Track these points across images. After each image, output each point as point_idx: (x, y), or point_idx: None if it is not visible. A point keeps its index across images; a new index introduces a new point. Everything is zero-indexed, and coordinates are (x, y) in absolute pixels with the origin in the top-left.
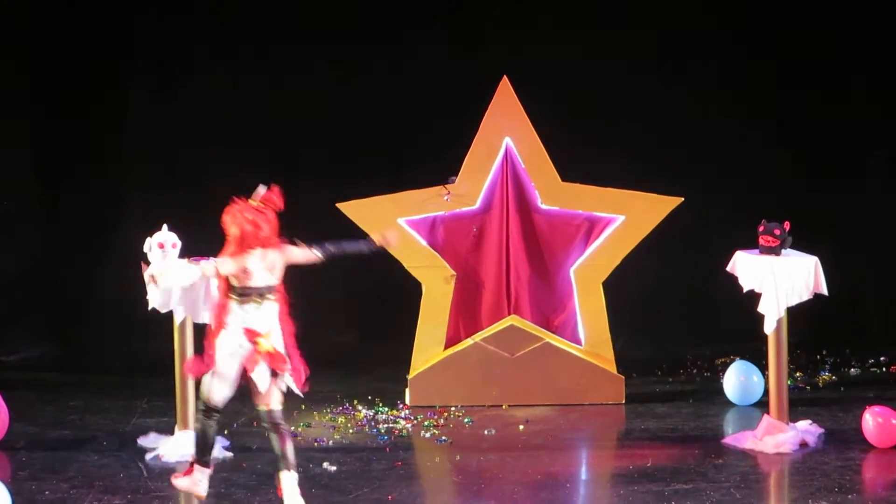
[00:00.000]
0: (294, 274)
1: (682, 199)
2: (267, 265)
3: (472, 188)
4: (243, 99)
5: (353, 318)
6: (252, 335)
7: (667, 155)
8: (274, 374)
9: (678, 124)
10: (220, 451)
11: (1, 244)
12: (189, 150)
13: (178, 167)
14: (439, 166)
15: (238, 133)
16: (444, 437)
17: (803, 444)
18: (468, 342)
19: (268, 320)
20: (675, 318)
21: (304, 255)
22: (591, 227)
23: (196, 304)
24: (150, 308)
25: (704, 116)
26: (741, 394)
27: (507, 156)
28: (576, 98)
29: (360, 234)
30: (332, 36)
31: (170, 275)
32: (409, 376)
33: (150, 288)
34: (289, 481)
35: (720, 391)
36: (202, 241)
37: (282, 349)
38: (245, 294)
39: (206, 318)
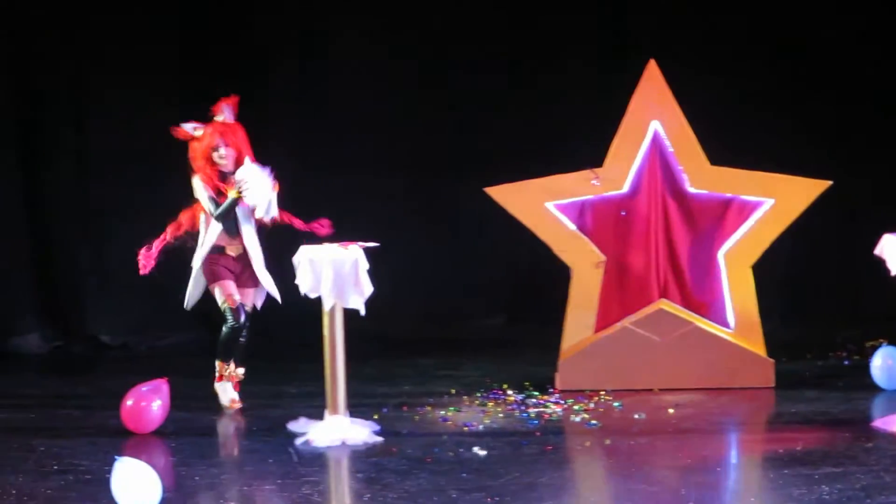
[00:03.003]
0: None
1: (831, 182)
2: None
3: (620, 172)
4: (392, 86)
5: (501, 302)
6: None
7: (814, 137)
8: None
9: (823, 105)
10: (369, 435)
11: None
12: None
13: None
14: (586, 151)
15: (385, 121)
16: (594, 422)
17: None
18: (618, 326)
19: None
20: (825, 301)
21: None
22: (740, 211)
23: (345, 289)
24: (302, 293)
25: (851, 98)
26: (888, 377)
27: (655, 139)
28: (722, 80)
29: (508, 218)
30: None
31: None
32: (559, 360)
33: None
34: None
35: (869, 374)
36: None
37: None
38: None
39: (354, 302)
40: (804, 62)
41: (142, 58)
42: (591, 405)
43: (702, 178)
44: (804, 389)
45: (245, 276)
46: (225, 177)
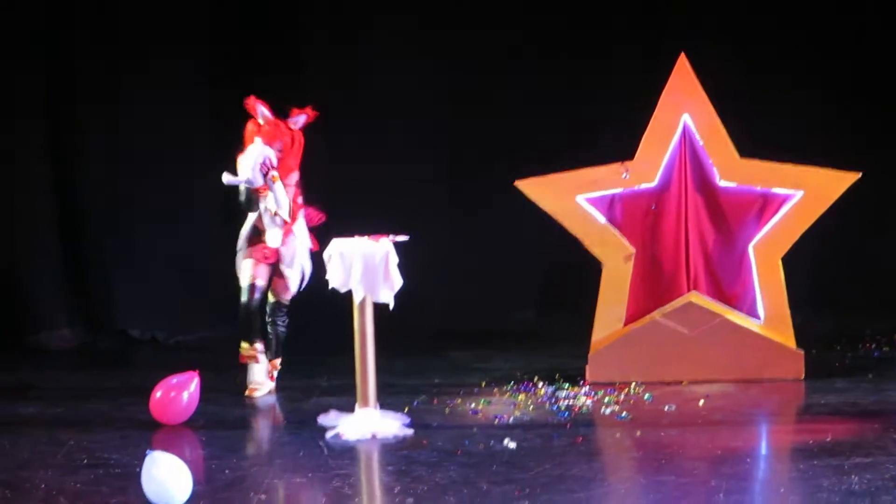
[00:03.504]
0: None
1: (860, 174)
2: None
3: (650, 165)
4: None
5: (531, 295)
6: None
7: (843, 129)
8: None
9: (853, 97)
10: (400, 428)
11: (181, 225)
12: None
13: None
14: (616, 144)
15: (417, 113)
16: (624, 414)
17: None
18: (648, 319)
19: None
20: (854, 293)
21: None
22: (769, 204)
23: (375, 283)
24: (329, 288)
25: (883, 88)
26: None
27: (685, 133)
28: (753, 72)
29: (538, 212)
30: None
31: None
32: (590, 353)
33: (331, 264)
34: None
35: None
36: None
37: None
38: None
39: (385, 297)
40: (835, 55)
41: (173, 52)
42: (621, 397)
43: (731, 170)
44: (834, 381)
45: (276, 259)
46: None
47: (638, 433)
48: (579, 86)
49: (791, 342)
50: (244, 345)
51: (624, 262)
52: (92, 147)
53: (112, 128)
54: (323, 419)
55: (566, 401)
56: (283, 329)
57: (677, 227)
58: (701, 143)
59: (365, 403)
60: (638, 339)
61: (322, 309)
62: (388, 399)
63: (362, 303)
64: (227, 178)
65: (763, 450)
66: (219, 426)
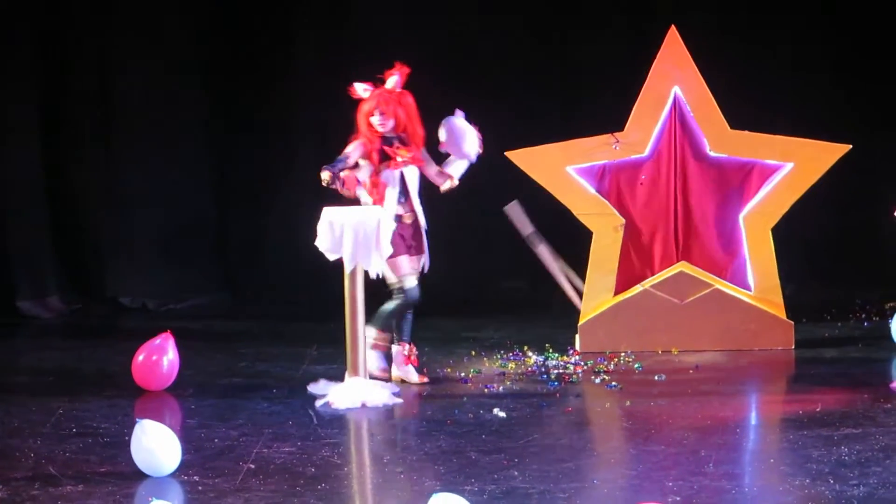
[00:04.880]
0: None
1: (850, 146)
2: None
3: (642, 136)
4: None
5: (522, 265)
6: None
7: (835, 100)
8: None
9: (844, 68)
10: (389, 397)
11: (173, 192)
12: None
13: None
14: (607, 115)
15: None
16: (614, 383)
17: None
18: (638, 289)
19: None
20: (844, 263)
21: None
22: (759, 175)
23: (366, 251)
24: (331, 260)
25: (874, 59)
26: None
27: (676, 104)
28: (742, 44)
29: (530, 183)
30: None
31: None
32: (580, 322)
33: (322, 231)
34: None
35: (889, 335)
36: None
37: None
38: None
39: (376, 266)
40: (825, 24)
41: (166, 27)
42: (611, 367)
43: (722, 142)
44: (824, 351)
45: (416, 244)
46: (389, 141)
47: (628, 403)
48: (570, 56)
49: (781, 312)
50: (381, 333)
51: (614, 232)
52: (83, 116)
53: (105, 96)
54: (313, 388)
55: (556, 370)
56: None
57: (667, 197)
58: (692, 114)
59: (355, 372)
60: (628, 309)
61: (313, 277)
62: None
63: (353, 272)
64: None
65: (753, 420)
66: (207, 395)
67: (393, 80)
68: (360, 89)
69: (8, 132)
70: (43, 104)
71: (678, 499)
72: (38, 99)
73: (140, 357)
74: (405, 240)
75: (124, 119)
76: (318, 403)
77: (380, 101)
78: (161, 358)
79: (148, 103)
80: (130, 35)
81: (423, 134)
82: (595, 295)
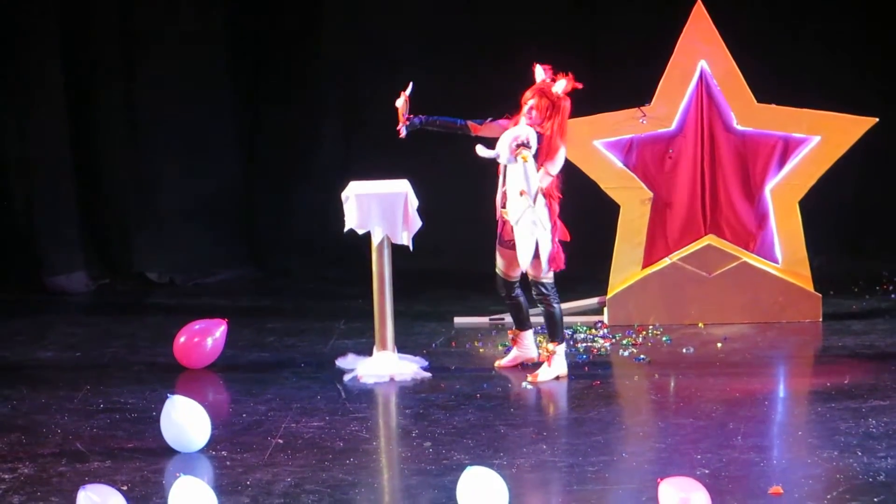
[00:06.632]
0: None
1: (877, 119)
2: None
3: (668, 110)
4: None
5: None
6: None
7: (862, 73)
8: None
9: (871, 40)
10: (417, 371)
11: (200, 167)
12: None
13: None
14: (635, 89)
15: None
16: (642, 356)
17: None
18: (665, 262)
19: None
20: (871, 236)
21: None
22: (786, 148)
23: (394, 224)
24: (345, 230)
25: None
26: None
27: (703, 78)
28: (768, 18)
29: None
30: None
31: None
32: (608, 296)
33: (349, 206)
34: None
35: None
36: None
37: None
38: None
39: (404, 238)
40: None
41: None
42: (640, 340)
43: (749, 115)
44: (851, 323)
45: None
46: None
47: (656, 376)
48: (597, 31)
49: (809, 285)
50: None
51: (641, 206)
52: (111, 91)
53: (130, 71)
54: (341, 362)
55: (584, 343)
56: (524, 302)
57: (694, 171)
58: (718, 88)
59: (383, 347)
60: (656, 282)
61: (341, 251)
62: (407, 342)
63: (381, 245)
64: (481, 151)
65: (781, 392)
66: (236, 370)
67: (561, 85)
68: (540, 71)
69: (35, 108)
70: (70, 79)
71: (707, 471)
72: (65, 74)
73: (183, 339)
74: (504, 236)
75: (152, 94)
76: (347, 378)
77: (537, 93)
78: (204, 339)
79: (175, 78)
80: (158, 8)
81: (559, 146)
82: (623, 268)
